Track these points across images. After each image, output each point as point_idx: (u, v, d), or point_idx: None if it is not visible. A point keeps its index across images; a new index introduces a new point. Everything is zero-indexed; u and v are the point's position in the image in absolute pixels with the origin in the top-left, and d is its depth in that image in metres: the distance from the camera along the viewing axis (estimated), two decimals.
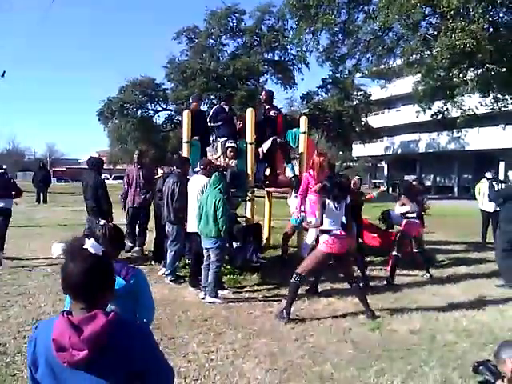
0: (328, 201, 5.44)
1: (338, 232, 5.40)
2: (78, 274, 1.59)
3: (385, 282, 7.20)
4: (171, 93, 32.64)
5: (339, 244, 5.38)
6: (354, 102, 34.98)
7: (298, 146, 8.58)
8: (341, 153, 47.63)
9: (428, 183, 40.23)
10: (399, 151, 46.13)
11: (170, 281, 6.96)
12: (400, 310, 5.77)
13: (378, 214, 9.46)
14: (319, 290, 6.61)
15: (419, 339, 4.85)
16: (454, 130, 27.88)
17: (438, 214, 13.86)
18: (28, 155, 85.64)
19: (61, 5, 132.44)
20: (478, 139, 34.77)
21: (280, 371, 4.03)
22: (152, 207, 8.76)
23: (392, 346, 4.63)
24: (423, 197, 8.31)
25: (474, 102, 21.54)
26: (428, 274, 7.57)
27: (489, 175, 10.63)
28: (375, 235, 9.09)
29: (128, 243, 8.71)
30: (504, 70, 17.88)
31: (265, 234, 9.62)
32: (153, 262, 8.16)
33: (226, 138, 8.20)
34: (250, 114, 8.00)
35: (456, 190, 40.81)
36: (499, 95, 20.23)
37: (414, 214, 7.54)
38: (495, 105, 20.97)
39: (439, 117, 24.39)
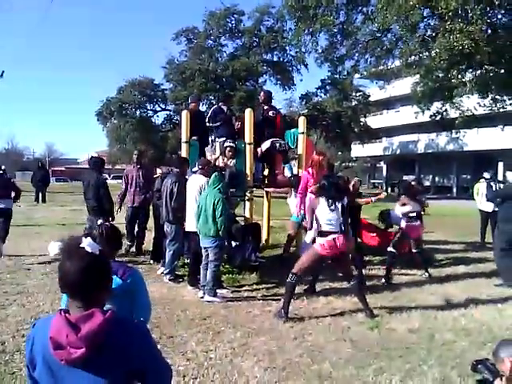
0: (322, 201, 5.45)
1: (335, 236, 5.37)
2: (75, 272, 1.59)
3: (382, 280, 7.21)
4: (170, 93, 32.65)
5: (335, 248, 5.37)
6: (353, 103, 35.03)
7: (296, 147, 8.60)
8: (340, 153, 47.69)
9: (427, 183, 40.25)
10: (398, 152, 46.18)
11: (169, 280, 6.97)
12: (399, 308, 5.78)
13: (377, 213, 9.46)
14: (318, 289, 6.62)
15: (418, 338, 4.86)
16: (453, 131, 27.90)
17: (437, 214, 13.88)
18: (27, 155, 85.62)
19: (61, 5, 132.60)
20: (476, 140, 34.81)
21: (279, 370, 4.03)
22: (151, 207, 8.76)
23: (391, 345, 4.63)
24: (422, 197, 8.32)
25: (472, 103, 21.58)
26: (427, 274, 7.58)
27: (487, 175, 10.65)
28: (374, 235, 9.09)
29: (127, 242, 8.73)
30: (502, 71, 17.91)
31: (264, 234, 9.63)
32: (152, 262, 8.17)
33: (224, 139, 8.20)
34: (248, 114, 8.01)
35: (455, 190, 40.86)
36: (497, 96, 20.27)
37: (415, 214, 7.55)
38: (494, 106, 21.01)
39: (438, 117, 24.43)
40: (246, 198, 7.95)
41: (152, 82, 33.47)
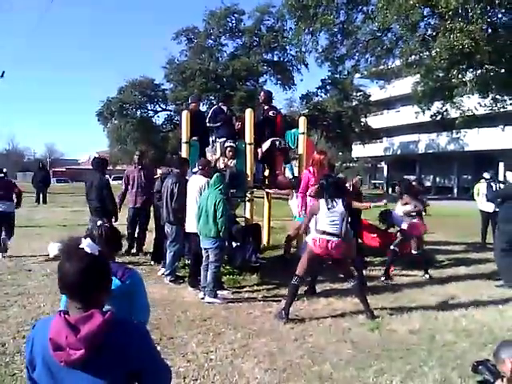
0: (322, 203, 5.45)
1: (330, 239, 5.35)
2: (75, 273, 1.59)
3: (382, 280, 7.20)
4: (170, 93, 32.65)
5: (325, 249, 5.35)
6: (354, 103, 35.04)
7: (297, 147, 8.59)
8: (340, 153, 47.66)
9: (428, 184, 40.25)
10: (399, 152, 46.14)
11: (170, 281, 6.96)
12: (399, 309, 5.77)
13: (377, 214, 9.43)
14: (319, 290, 6.61)
15: (418, 339, 4.85)
16: (454, 131, 27.91)
17: (438, 214, 13.86)
18: (28, 156, 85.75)
19: (61, 5, 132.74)
20: (477, 140, 34.78)
21: (279, 371, 4.03)
22: (152, 208, 8.75)
23: (391, 346, 4.63)
24: (423, 197, 8.31)
25: (473, 103, 21.55)
26: (427, 275, 7.57)
27: (487, 175, 10.63)
28: (375, 235, 9.09)
29: (127, 247, 8.70)
30: (503, 70, 17.89)
31: (264, 235, 9.62)
32: (152, 263, 8.16)
33: (225, 139, 8.20)
34: (248, 114, 8.01)
35: (455, 190, 40.82)
36: (498, 96, 20.24)
37: (415, 213, 7.53)
38: (494, 105, 20.99)
39: (438, 117, 24.41)
40: (247, 198, 7.94)
41: (152, 82, 33.47)
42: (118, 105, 31.98)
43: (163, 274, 7.22)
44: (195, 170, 7.09)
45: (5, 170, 9.26)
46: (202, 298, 6.15)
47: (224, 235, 6.15)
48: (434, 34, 17.70)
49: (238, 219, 8.22)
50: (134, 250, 8.91)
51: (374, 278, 7.48)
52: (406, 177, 9.79)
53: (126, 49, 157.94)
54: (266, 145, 8.33)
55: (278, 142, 8.31)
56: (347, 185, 7.95)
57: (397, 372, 4.04)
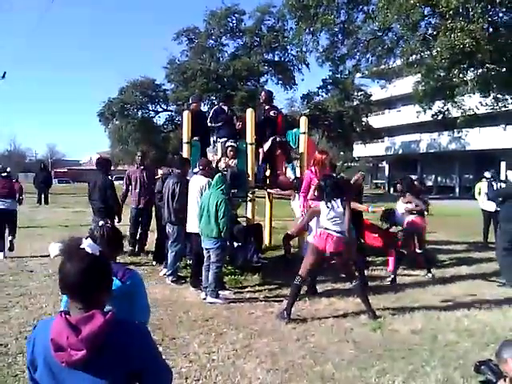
0: (322, 205, 5.46)
1: (332, 232, 5.37)
2: (75, 273, 1.59)
3: (388, 279, 7.19)
4: (171, 93, 32.67)
5: (325, 241, 5.36)
6: (355, 103, 35.05)
7: (298, 147, 8.58)
8: (342, 153, 47.54)
9: (429, 183, 40.18)
10: (400, 151, 46.13)
11: (172, 281, 6.96)
12: (401, 309, 5.76)
13: (379, 214, 9.42)
14: (321, 290, 6.60)
15: (421, 339, 4.84)
16: (455, 130, 27.87)
17: (440, 214, 13.86)
18: (29, 156, 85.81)
19: (61, 5, 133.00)
20: (478, 139, 34.76)
21: (281, 371, 4.03)
22: (153, 208, 8.75)
23: (393, 346, 4.62)
24: (424, 197, 8.29)
25: (474, 102, 21.53)
26: (430, 275, 7.55)
27: (487, 174, 10.61)
28: (376, 235, 9.07)
29: (129, 247, 8.70)
30: (504, 69, 17.87)
31: (266, 235, 9.62)
32: (154, 263, 8.17)
33: (226, 139, 8.20)
34: (249, 114, 8.01)
35: (457, 190, 40.79)
36: (499, 95, 20.22)
37: (415, 212, 7.52)
38: (495, 105, 20.96)
39: (440, 117, 24.39)
40: (248, 198, 7.94)
41: (153, 82, 33.52)
42: (119, 105, 32.03)
43: (165, 274, 7.22)
44: (196, 170, 7.09)
45: (8, 169, 9.50)
46: (204, 299, 6.14)
47: (225, 235, 6.15)
48: (435, 33, 17.69)
49: (239, 219, 8.22)
50: (136, 252, 8.88)
51: (376, 277, 7.48)
52: (407, 175, 9.72)
53: (126, 49, 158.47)
54: (267, 145, 8.33)
55: (278, 139, 8.31)
56: (352, 181, 7.97)
57: (399, 372, 4.04)
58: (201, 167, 6.84)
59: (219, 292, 6.16)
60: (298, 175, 8.30)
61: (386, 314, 5.60)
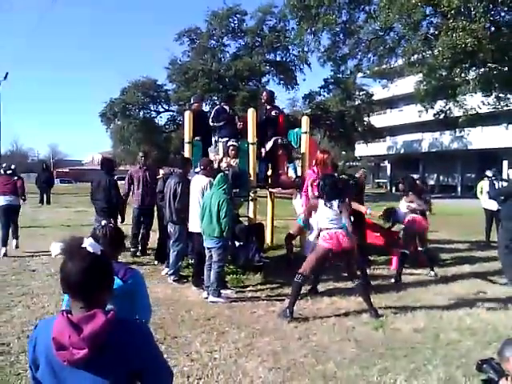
0: (321, 201, 5.47)
1: (336, 231, 5.39)
2: (77, 273, 1.59)
3: (392, 281, 7.17)
4: (173, 94, 32.69)
5: (336, 240, 5.37)
6: (356, 102, 35.03)
7: (299, 146, 8.59)
8: (343, 152, 47.63)
9: (431, 182, 40.15)
10: (402, 151, 46.09)
11: (173, 280, 6.97)
12: (403, 308, 5.76)
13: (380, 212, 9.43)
14: (322, 289, 6.60)
15: (423, 338, 4.84)
16: (457, 130, 27.86)
17: (442, 213, 13.84)
18: (31, 156, 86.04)
19: (61, 5, 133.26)
20: (480, 138, 34.70)
21: (283, 370, 4.03)
22: (155, 208, 8.74)
23: (395, 345, 4.62)
24: (426, 196, 8.28)
25: (476, 102, 21.49)
26: (432, 273, 7.54)
27: (489, 173, 10.59)
28: (378, 234, 9.07)
29: (131, 249, 8.68)
30: (506, 69, 17.85)
31: (267, 234, 9.62)
32: (156, 262, 8.18)
33: (227, 139, 8.21)
34: (251, 114, 8.01)
35: (459, 189, 40.71)
36: (501, 94, 20.19)
37: (418, 211, 7.51)
38: (497, 104, 20.92)
39: (441, 116, 24.37)
40: (250, 198, 7.95)
41: (155, 82, 33.55)
42: (120, 105, 32.07)
43: (167, 273, 7.23)
44: (197, 170, 7.10)
45: (13, 166, 9.74)
46: (206, 298, 6.15)
47: (227, 235, 6.16)
48: (437, 32, 17.67)
49: (241, 219, 8.22)
50: (138, 253, 8.87)
51: (378, 276, 7.47)
52: (409, 175, 9.73)
53: (126, 49, 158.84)
54: (268, 145, 8.34)
55: (280, 140, 8.32)
56: (357, 175, 7.97)
57: (401, 371, 4.03)
58: (202, 167, 6.84)
59: (221, 291, 6.16)
60: (300, 174, 8.30)
61: (388, 312, 5.60)
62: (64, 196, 25.87)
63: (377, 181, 53.38)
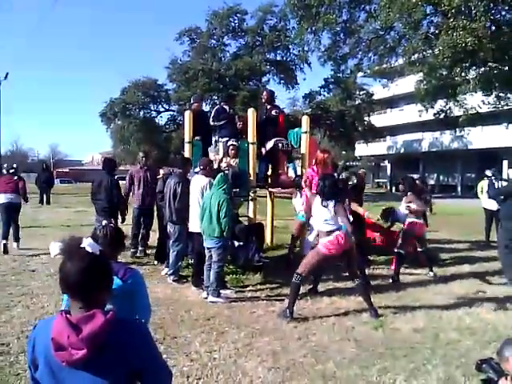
0: (317, 199, 5.47)
1: (337, 234, 5.36)
2: (76, 273, 1.60)
3: (390, 281, 7.18)
4: (173, 93, 32.66)
5: (338, 246, 5.36)
6: (357, 102, 34.99)
7: (299, 146, 8.58)
8: (344, 152, 47.61)
9: (431, 182, 40.12)
10: (402, 150, 46.05)
11: (173, 280, 6.97)
12: (403, 308, 5.76)
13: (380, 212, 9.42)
14: (322, 289, 6.60)
15: (422, 337, 4.84)
16: (457, 129, 27.83)
17: (442, 212, 13.84)
18: (31, 156, 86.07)
19: (61, 5, 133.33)
20: (481, 138, 34.67)
21: (283, 370, 4.03)
22: (155, 208, 8.74)
23: (395, 345, 4.62)
24: (426, 195, 8.27)
25: (476, 101, 21.46)
26: (432, 273, 7.54)
27: (488, 173, 10.58)
28: (378, 234, 9.07)
29: (131, 249, 8.65)
30: (506, 68, 17.84)
31: (267, 234, 9.62)
32: (156, 262, 8.17)
33: (227, 138, 8.21)
34: (251, 113, 8.00)
35: (459, 188, 40.69)
36: (501, 94, 20.16)
37: (419, 208, 7.51)
38: (498, 103, 20.90)
39: (442, 116, 24.35)
40: (250, 197, 7.94)
41: (155, 82, 33.51)
42: (121, 105, 32.04)
43: (166, 273, 7.23)
44: (197, 170, 7.09)
45: (15, 165, 10.10)
46: (206, 298, 6.15)
47: (227, 235, 6.16)
48: (437, 32, 17.66)
49: (240, 218, 8.22)
50: (138, 253, 8.84)
51: (378, 276, 7.46)
52: (409, 175, 9.74)
53: (126, 49, 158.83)
54: (269, 145, 8.33)
55: (281, 144, 8.30)
56: (359, 172, 7.96)
57: (400, 370, 4.04)
58: (201, 167, 6.84)
59: (221, 291, 6.16)
60: (300, 174, 8.30)
61: (388, 312, 5.61)
62: (64, 196, 25.88)
63: (377, 180, 53.36)
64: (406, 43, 19.20)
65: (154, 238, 8.87)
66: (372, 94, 35.75)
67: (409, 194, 7.62)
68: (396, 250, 7.43)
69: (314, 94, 34.18)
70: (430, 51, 18.43)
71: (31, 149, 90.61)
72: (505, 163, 34.61)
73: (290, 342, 4.70)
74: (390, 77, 28.65)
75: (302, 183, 7.33)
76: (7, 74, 31.64)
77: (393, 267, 7.71)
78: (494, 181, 9.99)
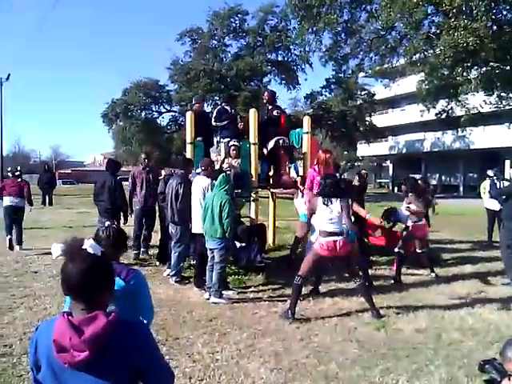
0: (320, 200, 5.47)
1: (337, 238, 5.34)
2: (77, 274, 1.59)
3: (392, 282, 7.17)
4: (175, 94, 32.64)
5: (334, 250, 5.34)
6: (358, 102, 34.90)
7: (301, 146, 8.58)
8: (345, 152, 47.56)
9: (433, 182, 40.02)
10: (404, 150, 45.97)
11: (175, 282, 6.97)
12: (405, 308, 5.75)
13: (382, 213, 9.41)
14: (324, 289, 6.60)
15: (425, 338, 4.83)
16: (459, 129, 27.78)
17: (444, 212, 13.79)
18: (33, 158, 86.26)
19: (61, 5, 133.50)
20: (483, 138, 34.58)
21: (285, 371, 4.03)
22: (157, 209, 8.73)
23: (397, 345, 4.61)
24: (429, 195, 8.25)
25: (478, 101, 21.43)
26: (433, 274, 7.53)
27: (490, 173, 10.55)
28: (380, 235, 9.05)
29: (134, 251, 8.62)
30: (508, 68, 17.80)
31: (269, 235, 9.61)
32: (158, 263, 8.18)
33: (229, 139, 8.22)
34: (252, 114, 8.01)
35: (461, 188, 40.63)
36: (503, 93, 20.11)
37: (418, 210, 7.49)
38: (499, 103, 20.85)
39: (443, 116, 24.32)
40: (252, 198, 7.94)
41: (157, 83, 33.50)
42: (122, 106, 32.05)
43: (169, 274, 7.23)
44: (198, 170, 7.10)
45: (19, 168, 10.40)
46: (208, 299, 6.15)
47: (230, 236, 6.16)
48: (438, 31, 17.62)
49: (242, 219, 8.22)
50: (141, 254, 8.84)
51: (380, 277, 7.46)
52: (411, 175, 9.74)
53: (126, 49, 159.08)
54: (270, 144, 8.34)
55: (281, 141, 8.32)
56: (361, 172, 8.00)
57: (403, 371, 4.03)
58: (203, 168, 6.84)
59: (223, 292, 6.17)
60: (302, 174, 8.29)
61: (390, 313, 5.60)
62: (66, 197, 25.90)
63: (379, 181, 53.28)
64: (408, 43, 19.16)
65: (155, 238, 8.87)
66: (373, 94, 35.70)
67: (410, 194, 7.62)
68: (396, 251, 7.42)
69: (315, 95, 34.13)
70: (432, 51, 18.41)
71: (33, 150, 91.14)
72: (507, 163, 34.55)
73: (292, 342, 4.69)
74: (392, 77, 28.61)
75: (299, 185, 7.37)
76: (9, 75, 31.74)
77: (394, 268, 7.70)
78: (495, 181, 9.97)
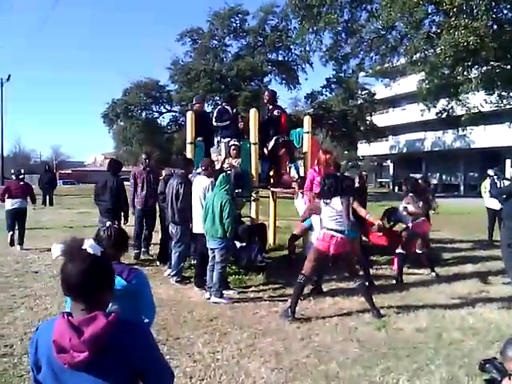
0: (321, 200, 5.48)
1: (336, 235, 5.36)
2: (77, 274, 1.59)
3: (393, 282, 7.15)
4: (175, 94, 32.67)
5: (331, 244, 5.35)
6: (359, 101, 34.90)
7: (302, 146, 8.58)
8: (346, 152, 47.57)
9: (434, 181, 39.99)
10: (404, 150, 45.96)
11: (176, 281, 6.97)
12: (406, 308, 5.75)
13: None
14: (325, 289, 6.60)
15: (425, 337, 4.83)
16: (460, 128, 27.77)
17: (444, 212, 13.79)
18: (34, 158, 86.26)
19: (61, 5, 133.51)
20: (483, 137, 34.55)
21: (285, 370, 4.03)
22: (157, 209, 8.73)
23: (398, 345, 4.61)
24: (429, 195, 8.25)
25: (478, 100, 21.42)
26: (433, 274, 7.53)
27: (491, 172, 10.54)
28: (381, 234, 9.04)
29: (134, 251, 8.62)
30: (508, 67, 17.82)
31: (270, 234, 9.61)
32: (158, 263, 8.18)
33: (229, 139, 8.22)
34: (253, 114, 8.01)
35: (462, 188, 40.60)
36: (504, 93, 20.12)
37: (416, 211, 7.48)
38: (500, 102, 20.85)
39: (444, 115, 24.33)
40: (252, 198, 7.94)
41: (157, 83, 33.57)
42: (123, 106, 32.10)
43: (169, 274, 7.23)
44: (199, 170, 7.10)
45: (22, 170, 10.62)
46: (208, 298, 6.15)
47: (230, 236, 6.16)
48: (439, 31, 17.63)
49: (243, 219, 8.22)
50: (141, 254, 8.84)
51: (381, 276, 7.46)
52: (411, 175, 9.75)
53: (126, 49, 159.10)
54: (270, 144, 8.34)
55: (281, 139, 8.32)
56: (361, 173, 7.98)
57: (403, 370, 4.03)
58: (203, 167, 6.84)
59: (223, 292, 6.17)
60: (302, 174, 8.30)
61: (391, 312, 5.60)
62: (66, 197, 25.89)
63: (379, 180, 53.27)
64: (408, 42, 19.18)
65: (156, 238, 8.87)
66: (374, 94, 35.69)
67: (409, 195, 7.62)
68: (397, 251, 7.41)
69: (315, 94, 34.13)
70: (432, 50, 18.42)
71: (33, 150, 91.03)
72: (508, 162, 34.54)
73: (292, 342, 4.69)
74: (392, 76, 28.60)
75: (297, 189, 7.38)
76: (9, 75, 31.79)
77: (394, 267, 7.70)
78: (496, 180, 9.96)
